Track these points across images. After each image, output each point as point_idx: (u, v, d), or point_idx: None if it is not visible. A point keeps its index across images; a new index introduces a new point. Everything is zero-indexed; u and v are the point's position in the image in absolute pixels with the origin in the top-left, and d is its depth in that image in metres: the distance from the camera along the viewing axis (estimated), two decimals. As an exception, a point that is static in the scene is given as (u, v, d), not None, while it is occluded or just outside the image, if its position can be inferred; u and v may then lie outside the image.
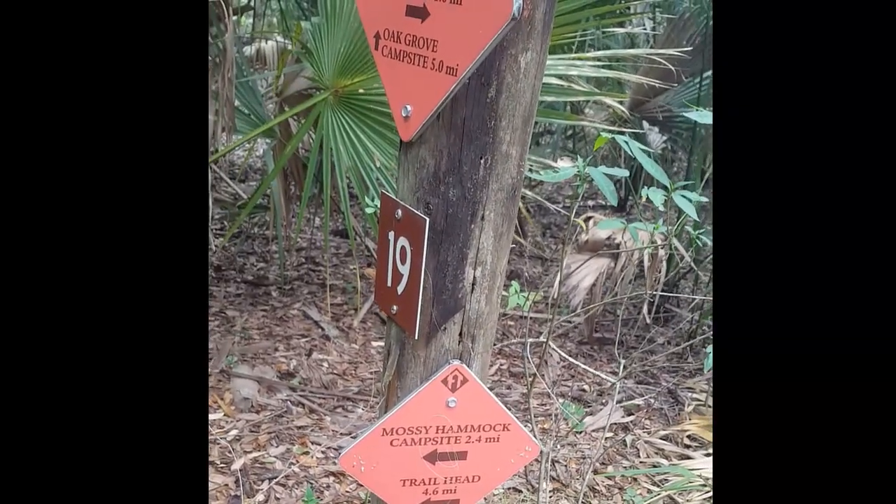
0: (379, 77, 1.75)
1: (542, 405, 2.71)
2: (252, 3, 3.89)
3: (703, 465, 2.06)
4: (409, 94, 0.80)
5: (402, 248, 0.87)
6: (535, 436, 1.14)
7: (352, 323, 3.38)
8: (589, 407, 2.72)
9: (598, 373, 1.88)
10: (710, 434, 2.40)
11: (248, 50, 4.71)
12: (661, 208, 1.29)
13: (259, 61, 4.60)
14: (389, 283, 0.92)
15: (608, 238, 3.11)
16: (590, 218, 3.15)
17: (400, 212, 0.86)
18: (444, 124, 0.78)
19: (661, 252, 2.82)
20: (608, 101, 3.06)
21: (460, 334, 0.90)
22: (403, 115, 0.80)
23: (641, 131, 3.79)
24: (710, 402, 1.54)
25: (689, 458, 2.26)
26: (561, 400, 2.77)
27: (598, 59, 2.51)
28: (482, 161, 0.80)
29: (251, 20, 4.75)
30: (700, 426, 2.37)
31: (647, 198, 1.24)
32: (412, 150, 0.83)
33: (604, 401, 2.77)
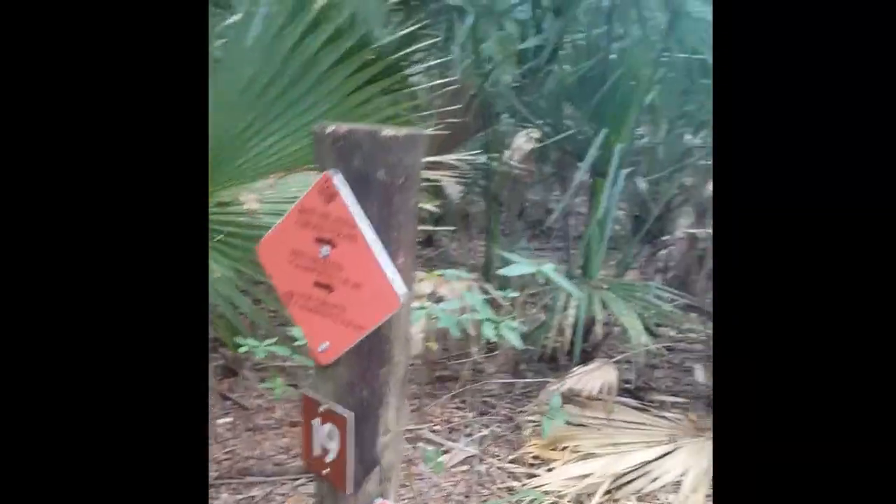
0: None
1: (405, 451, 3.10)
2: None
3: (548, 480, 2.59)
4: (326, 336, 1.14)
5: (329, 431, 1.22)
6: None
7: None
8: (443, 446, 3.16)
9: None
10: (552, 453, 2.94)
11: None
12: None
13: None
14: (318, 454, 1.26)
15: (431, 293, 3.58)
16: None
17: (324, 408, 1.20)
18: (352, 350, 1.14)
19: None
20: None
21: (380, 480, 1.26)
22: (320, 349, 1.15)
23: (438, 182, 4.30)
24: (545, 424, 2.00)
25: (535, 475, 2.78)
26: (419, 444, 3.18)
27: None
28: (382, 371, 1.17)
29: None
30: (540, 446, 2.90)
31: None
32: (328, 369, 1.18)
33: (454, 437, 3.23)
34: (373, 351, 1.14)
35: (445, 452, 3.06)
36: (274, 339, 1.90)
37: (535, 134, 4.78)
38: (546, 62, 3.91)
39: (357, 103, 2.54)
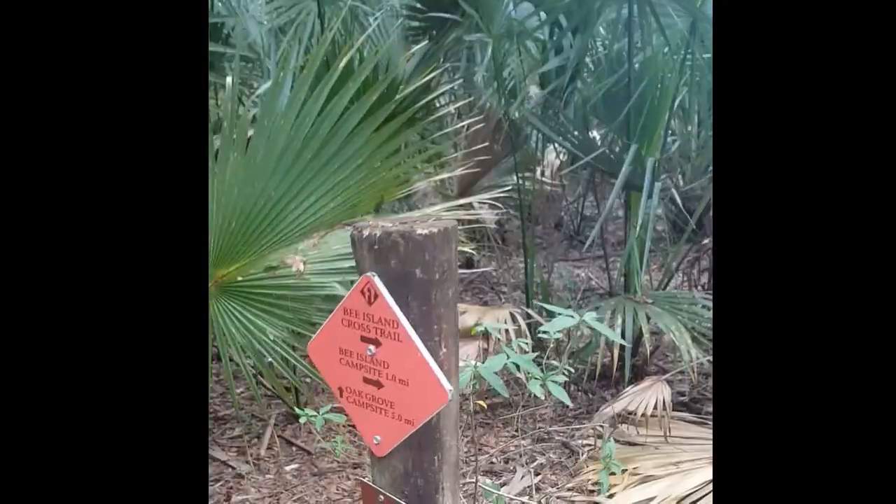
0: (255, 263, 2.09)
1: (463, 486, 3.13)
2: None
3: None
4: (378, 430, 1.18)
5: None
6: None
7: (259, 453, 3.60)
8: (501, 477, 3.17)
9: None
10: (608, 476, 2.93)
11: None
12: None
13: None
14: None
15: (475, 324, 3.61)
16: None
17: (382, 497, 1.24)
18: (404, 442, 1.17)
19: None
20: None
21: (443, 558, 1.29)
22: (375, 442, 1.18)
23: (475, 213, 4.33)
24: (600, 445, 2.00)
25: (597, 503, 2.77)
26: (479, 478, 3.20)
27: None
28: (436, 458, 1.19)
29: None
30: (597, 471, 2.89)
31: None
32: (384, 459, 1.21)
33: (511, 468, 3.24)
34: (424, 441, 1.17)
35: (503, 485, 3.08)
36: (328, 407, 1.94)
37: (563, 155, 4.78)
38: (569, 81, 3.90)
39: (388, 154, 2.60)
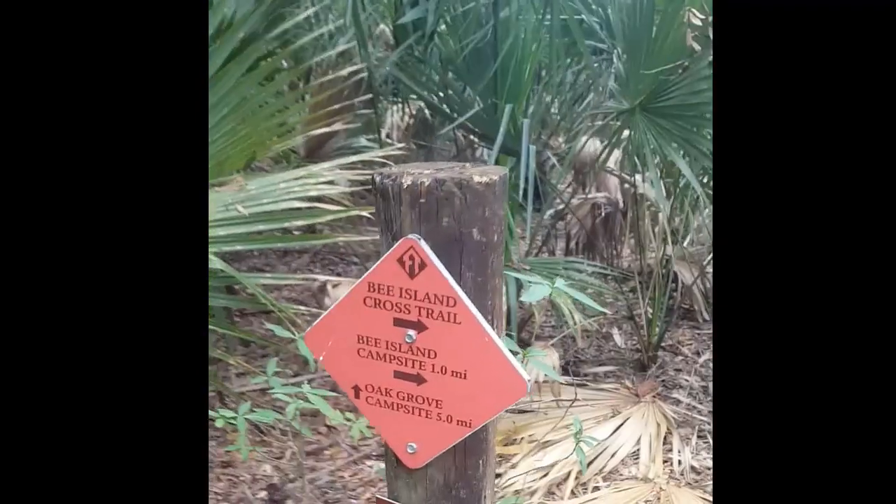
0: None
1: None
2: None
3: (515, 477, 2.48)
4: (413, 436, 0.92)
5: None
6: None
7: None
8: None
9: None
10: (510, 448, 2.84)
11: None
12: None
13: None
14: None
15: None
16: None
17: None
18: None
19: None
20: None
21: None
22: (409, 451, 0.93)
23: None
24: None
25: (499, 475, 2.67)
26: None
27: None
28: (480, 463, 0.96)
29: None
30: (497, 444, 2.79)
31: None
32: (417, 471, 0.95)
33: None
34: (470, 444, 0.94)
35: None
36: (248, 406, 1.60)
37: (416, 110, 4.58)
38: (429, 37, 3.70)
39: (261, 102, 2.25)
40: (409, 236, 0.84)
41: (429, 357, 0.87)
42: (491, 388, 0.85)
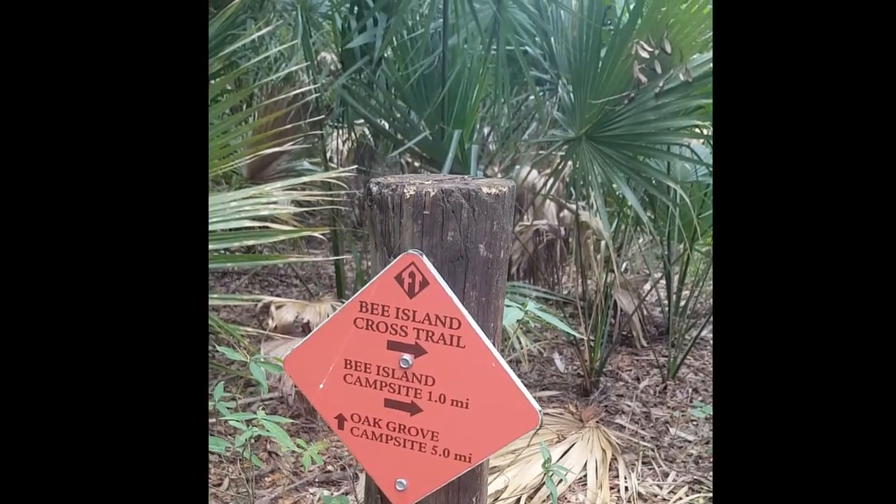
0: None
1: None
2: None
3: None
4: (403, 471, 0.84)
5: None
6: None
7: None
8: (340, 487, 2.83)
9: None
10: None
11: None
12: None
13: None
14: None
15: (295, 320, 3.19)
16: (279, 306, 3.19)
17: None
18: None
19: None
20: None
21: None
22: (398, 488, 0.85)
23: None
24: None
25: None
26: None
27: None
28: (474, 499, 0.89)
29: None
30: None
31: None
32: None
33: (350, 474, 2.91)
34: (465, 480, 0.86)
35: (346, 493, 2.74)
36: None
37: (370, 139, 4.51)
38: (377, 62, 3.65)
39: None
40: (410, 251, 0.77)
41: (426, 384, 0.80)
42: (496, 419, 0.79)
